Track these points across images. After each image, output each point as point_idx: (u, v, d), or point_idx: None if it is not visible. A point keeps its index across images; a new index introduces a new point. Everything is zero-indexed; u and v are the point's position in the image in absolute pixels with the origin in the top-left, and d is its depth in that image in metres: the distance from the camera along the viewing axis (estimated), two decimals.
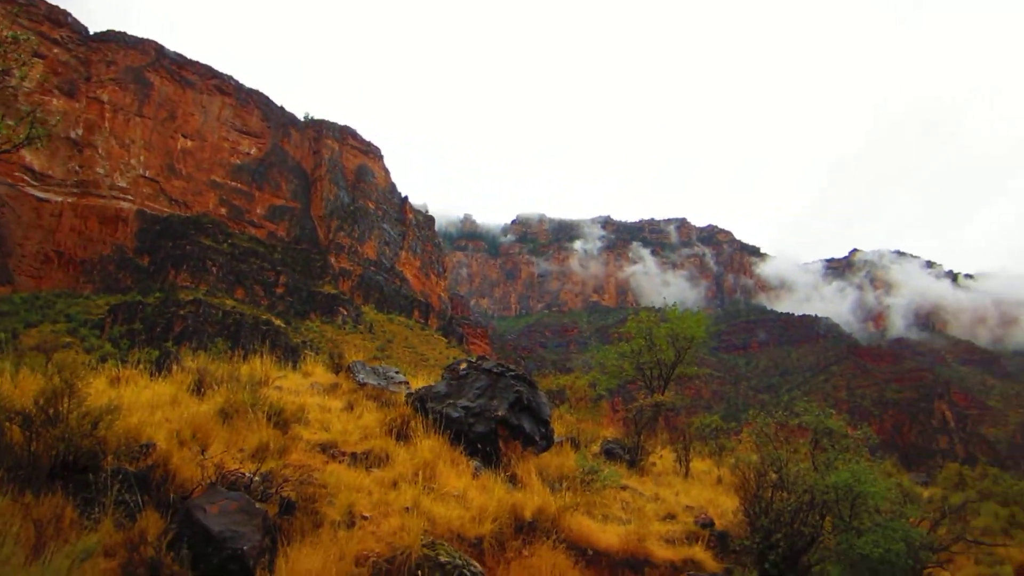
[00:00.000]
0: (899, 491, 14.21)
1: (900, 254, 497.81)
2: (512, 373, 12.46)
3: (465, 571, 8.12)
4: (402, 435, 11.60)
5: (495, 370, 12.35)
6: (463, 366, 12.72)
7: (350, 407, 13.14)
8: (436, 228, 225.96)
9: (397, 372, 16.54)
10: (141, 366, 12.79)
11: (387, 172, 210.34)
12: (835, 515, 10.05)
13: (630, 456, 16.15)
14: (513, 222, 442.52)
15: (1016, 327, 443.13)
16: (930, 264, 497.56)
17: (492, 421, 11.56)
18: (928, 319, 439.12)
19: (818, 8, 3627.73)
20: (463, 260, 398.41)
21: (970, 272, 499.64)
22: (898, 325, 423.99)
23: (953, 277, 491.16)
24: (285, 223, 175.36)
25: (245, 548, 7.24)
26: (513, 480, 11.16)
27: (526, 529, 9.64)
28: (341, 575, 7.78)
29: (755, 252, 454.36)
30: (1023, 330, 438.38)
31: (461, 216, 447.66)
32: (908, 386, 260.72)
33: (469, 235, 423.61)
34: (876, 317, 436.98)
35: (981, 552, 16.89)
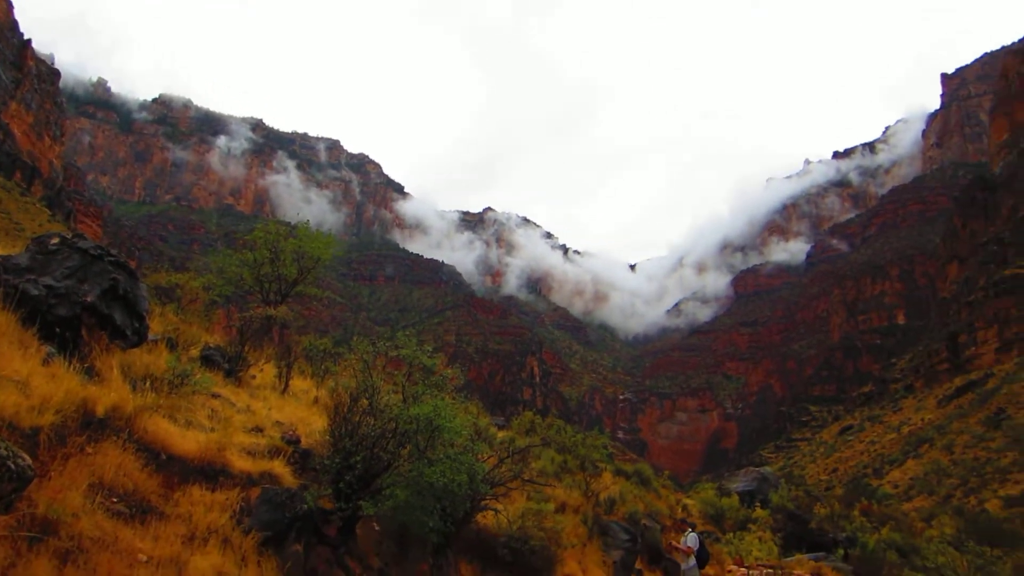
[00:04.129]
0: (474, 429, 15.53)
1: (526, 221, 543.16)
2: (112, 258, 11.33)
3: (10, 463, 7.28)
4: None
5: (92, 251, 11.11)
6: (55, 240, 11.26)
7: None
8: (61, 86, 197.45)
9: None
10: None
11: (10, 6, 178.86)
12: (413, 444, 10.67)
13: (230, 365, 15.67)
14: (154, 100, 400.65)
15: (604, 304, 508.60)
16: (549, 235, 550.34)
17: (78, 306, 10.43)
18: (538, 284, 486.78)
19: None
20: (87, 129, 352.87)
21: (578, 249, 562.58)
22: (512, 284, 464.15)
23: (565, 250, 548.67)
24: None
25: None
26: (91, 373, 10.23)
27: (95, 426, 8.91)
28: None
29: (399, 189, 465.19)
30: (609, 307, 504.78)
31: (94, 79, 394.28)
32: (508, 340, 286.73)
33: (100, 103, 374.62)
34: (495, 273, 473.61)
35: (533, 490, 19.03)
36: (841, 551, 36.13)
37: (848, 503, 50.40)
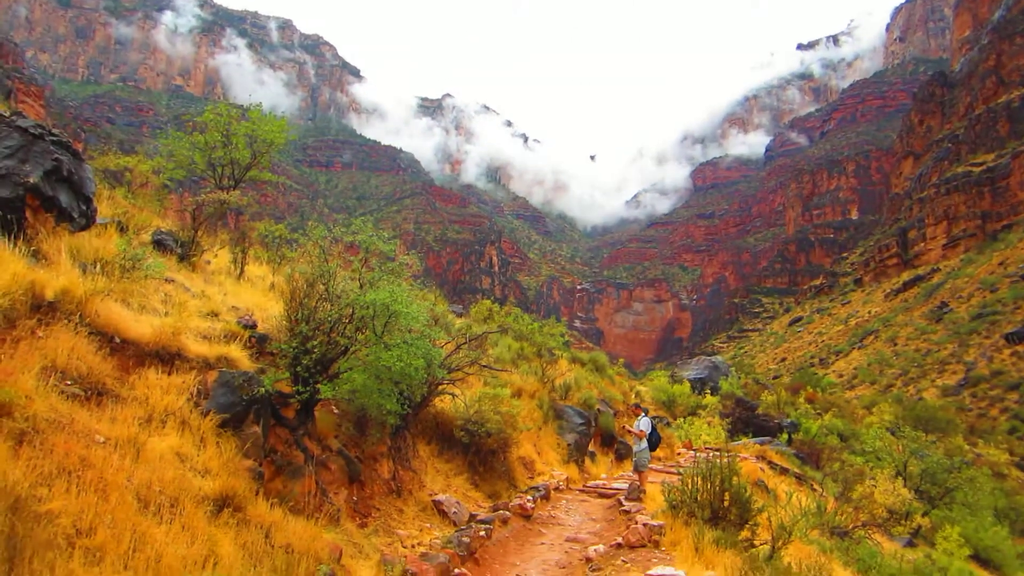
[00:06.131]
0: (432, 316, 15.63)
1: (486, 108, 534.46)
2: (54, 138, 10.87)
3: None
4: None
5: (32, 130, 10.63)
6: None
7: None
8: None
9: None
10: None
11: None
12: (370, 329, 10.69)
13: (183, 250, 15.38)
14: None
15: (563, 193, 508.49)
16: (509, 123, 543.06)
17: (21, 187, 10.04)
18: (497, 172, 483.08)
19: None
20: (23, 2, 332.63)
21: (538, 138, 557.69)
22: (471, 172, 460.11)
23: (525, 139, 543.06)
24: None
25: None
26: (37, 256, 9.98)
27: (45, 309, 8.75)
28: None
29: (355, 73, 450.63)
30: (568, 197, 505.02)
31: None
32: (467, 228, 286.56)
33: None
34: (454, 162, 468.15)
35: (490, 375, 19.39)
36: (785, 436, 37.72)
37: (794, 391, 52.29)
